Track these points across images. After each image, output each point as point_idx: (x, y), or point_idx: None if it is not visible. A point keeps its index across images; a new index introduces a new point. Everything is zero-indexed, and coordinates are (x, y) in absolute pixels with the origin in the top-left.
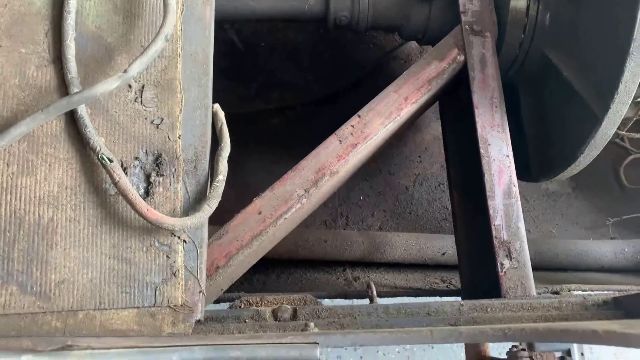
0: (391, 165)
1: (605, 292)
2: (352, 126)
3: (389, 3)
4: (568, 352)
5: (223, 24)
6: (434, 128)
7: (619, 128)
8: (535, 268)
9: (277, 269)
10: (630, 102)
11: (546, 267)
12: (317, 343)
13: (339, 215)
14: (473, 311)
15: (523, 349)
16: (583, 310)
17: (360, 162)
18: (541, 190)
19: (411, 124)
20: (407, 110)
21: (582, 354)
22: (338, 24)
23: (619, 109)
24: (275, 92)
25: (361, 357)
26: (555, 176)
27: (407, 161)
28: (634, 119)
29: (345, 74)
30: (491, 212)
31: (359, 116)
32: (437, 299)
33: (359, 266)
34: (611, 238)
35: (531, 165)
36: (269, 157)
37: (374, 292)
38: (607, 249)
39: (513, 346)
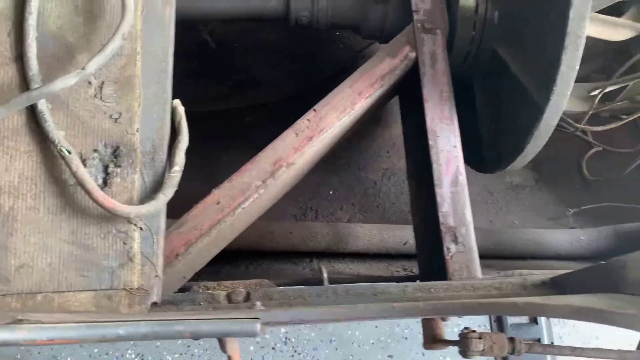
0: (360, 161)
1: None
2: (309, 120)
3: (346, 3)
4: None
5: (196, 25)
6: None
7: (578, 122)
8: (495, 257)
9: (245, 261)
10: (569, 93)
11: (506, 256)
12: (258, 318)
13: (309, 209)
14: (417, 292)
15: (473, 330)
16: (522, 289)
17: (318, 154)
18: (505, 183)
19: (368, 118)
20: (361, 104)
21: (551, 343)
22: (299, 23)
23: (559, 100)
24: (250, 91)
25: (336, 349)
26: (506, 167)
27: (375, 156)
28: (590, 112)
29: (317, 72)
30: (439, 199)
31: (315, 110)
32: None
33: (325, 257)
34: (570, 228)
35: (486, 157)
36: (242, 153)
37: (325, 275)
38: (564, 237)
39: (465, 328)
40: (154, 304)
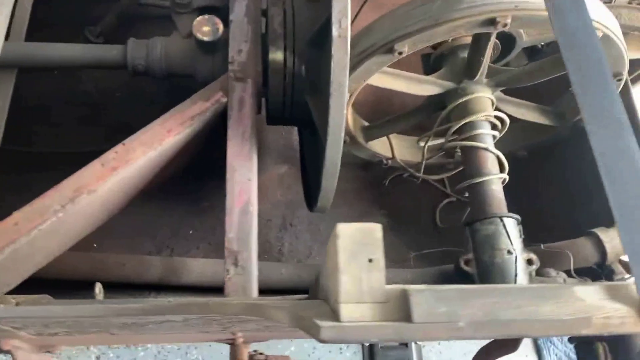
0: (224, 203)
1: None
2: (116, 152)
3: (178, 54)
4: None
5: (81, 77)
6: (273, 172)
7: (433, 172)
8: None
9: (81, 292)
10: (342, 135)
11: None
12: None
13: (165, 247)
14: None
15: (260, 353)
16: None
17: (124, 185)
18: None
19: (182, 154)
20: (169, 141)
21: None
22: (136, 70)
23: (334, 141)
24: (122, 136)
25: None
26: (316, 206)
27: None
28: (423, 162)
29: None
30: (227, 226)
31: (124, 144)
32: None
33: (163, 289)
34: (411, 269)
35: (312, 198)
36: None
37: (98, 291)
38: (391, 276)
39: (254, 350)
40: None
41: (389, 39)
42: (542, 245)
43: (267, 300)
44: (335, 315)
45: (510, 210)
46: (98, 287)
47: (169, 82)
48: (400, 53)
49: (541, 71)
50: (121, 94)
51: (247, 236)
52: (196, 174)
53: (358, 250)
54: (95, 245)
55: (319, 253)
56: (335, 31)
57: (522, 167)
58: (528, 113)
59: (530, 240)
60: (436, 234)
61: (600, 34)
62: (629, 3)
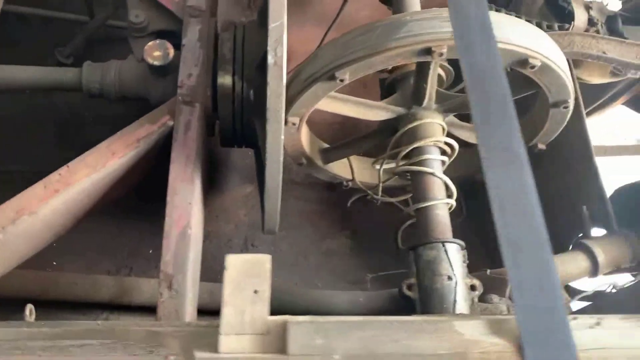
0: None
1: None
2: (60, 174)
3: (131, 78)
4: None
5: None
6: (238, 191)
7: (395, 194)
8: (278, 312)
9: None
10: (280, 159)
11: (288, 312)
12: None
13: (124, 266)
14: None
15: None
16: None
17: (67, 206)
18: (322, 248)
19: (129, 176)
20: (113, 163)
21: None
22: (92, 93)
23: (273, 164)
24: None
25: None
26: (264, 227)
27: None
28: (380, 184)
29: None
30: (164, 249)
31: (68, 166)
32: None
33: (116, 309)
34: (367, 290)
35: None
36: None
37: (29, 313)
38: (344, 298)
39: None
40: None
41: (330, 67)
42: (488, 271)
43: (169, 327)
44: (215, 347)
45: (473, 235)
46: (29, 309)
47: (133, 104)
48: (342, 80)
49: None
50: (89, 114)
51: (183, 260)
52: (157, 193)
53: (244, 282)
54: (54, 262)
55: (278, 274)
56: (270, 59)
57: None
58: None
59: (489, 265)
60: (398, 256)
61: (537, 63)
62: (586, 31)
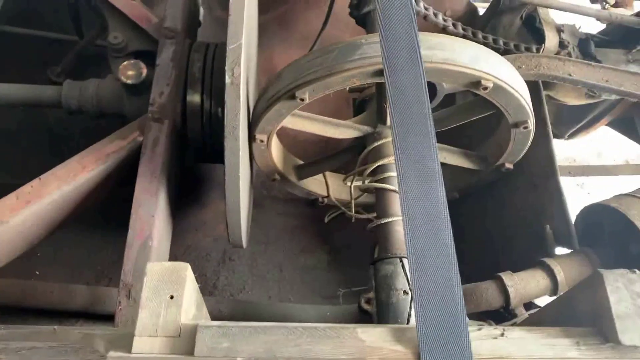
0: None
1: None
2: (32, 186)
3: (108, 95)
4: None
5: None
6: (219, 206)
7: (371, 211)
8: None
9: (12, 316)
10: (239, 174)
11: None
12: None
13: (105, 277)
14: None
15: None
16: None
17: (39, 217)
18: (299, 263)
19: (100, 188)
20: (83, 176)
21: None
22: (71, 109)
23: (232, 181)
24: None
25: None
26: (229, 241)
27: (182, 233)
28: (352, 200)
29: None
30: (125, 259)
31: (40, 179)
32: None
33: (91, 317)
34: (339, 305)
35: None
36: None
37: None
38: (312, 312)
39: None
40: None
41: (290, 87)
42: None
43: (100, 331)
44: (129, 348)
45: None
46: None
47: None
48: (302, 99)
49: (454, 117)
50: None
51: (143, 269)
52: None
53: (161, 288)
54: (37, 272)
55: (252, 287)
56: (227, 79)
57: (453, 209)
58: (451, 157)
59: None
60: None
61: (490, 85)
62: (557, 53)
